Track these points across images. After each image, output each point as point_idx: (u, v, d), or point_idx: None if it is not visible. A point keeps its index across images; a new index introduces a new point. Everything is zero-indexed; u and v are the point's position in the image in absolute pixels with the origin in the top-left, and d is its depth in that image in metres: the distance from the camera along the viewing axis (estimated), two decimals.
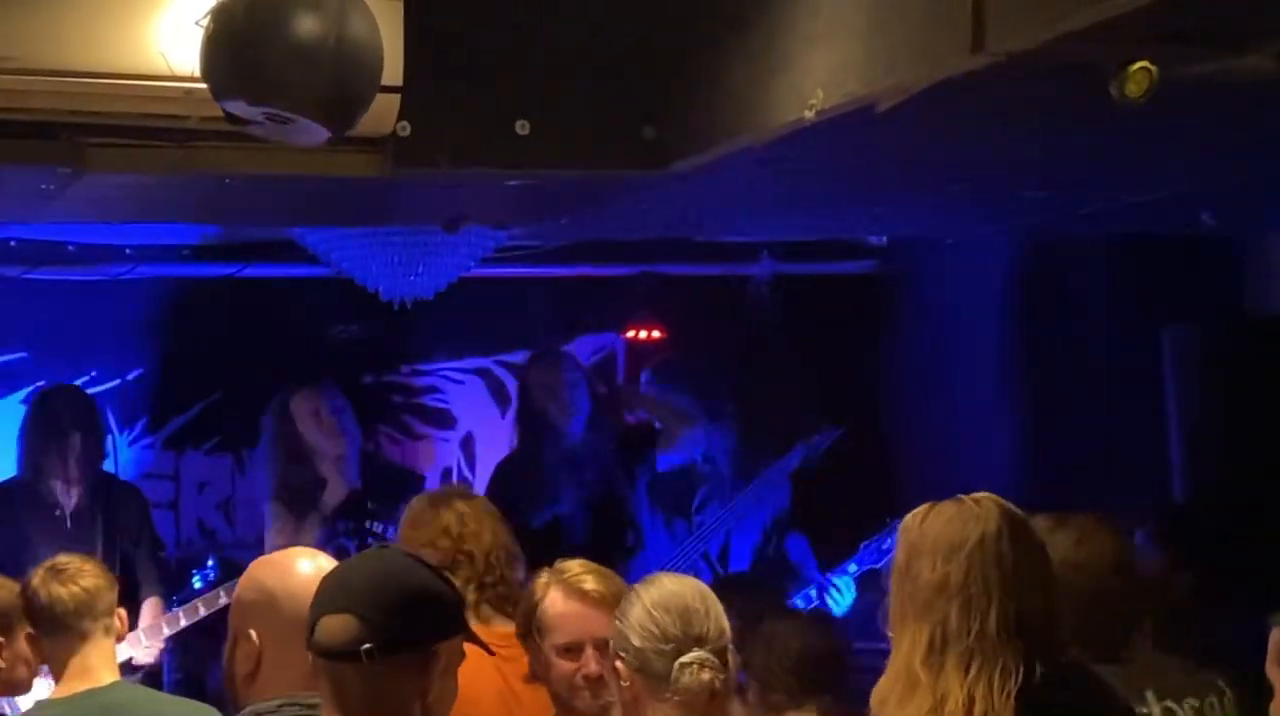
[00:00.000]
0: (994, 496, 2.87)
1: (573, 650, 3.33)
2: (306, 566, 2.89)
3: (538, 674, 3.39)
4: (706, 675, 2.93)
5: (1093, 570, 3.19)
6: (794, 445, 6.30)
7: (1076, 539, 3.22)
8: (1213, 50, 2.94)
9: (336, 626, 2.48)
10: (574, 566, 3.42)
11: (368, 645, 2.45)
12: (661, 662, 2.95)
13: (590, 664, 3.31)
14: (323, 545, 5.96)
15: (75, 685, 3.72)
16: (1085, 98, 3.04)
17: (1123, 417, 6.10)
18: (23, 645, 3.98)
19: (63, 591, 3.76)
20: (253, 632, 2.82)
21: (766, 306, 6.88)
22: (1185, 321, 5.83)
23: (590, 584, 3.38)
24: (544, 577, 3.43)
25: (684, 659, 2.94)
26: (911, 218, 5.86)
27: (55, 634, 3.78)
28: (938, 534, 2.81)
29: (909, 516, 2.87)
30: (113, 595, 3.84)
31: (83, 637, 3.75)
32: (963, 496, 2.86)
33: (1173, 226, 5.65)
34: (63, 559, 3.89)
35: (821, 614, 5.53)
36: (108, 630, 3.77)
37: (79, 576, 3.79)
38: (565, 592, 3.37)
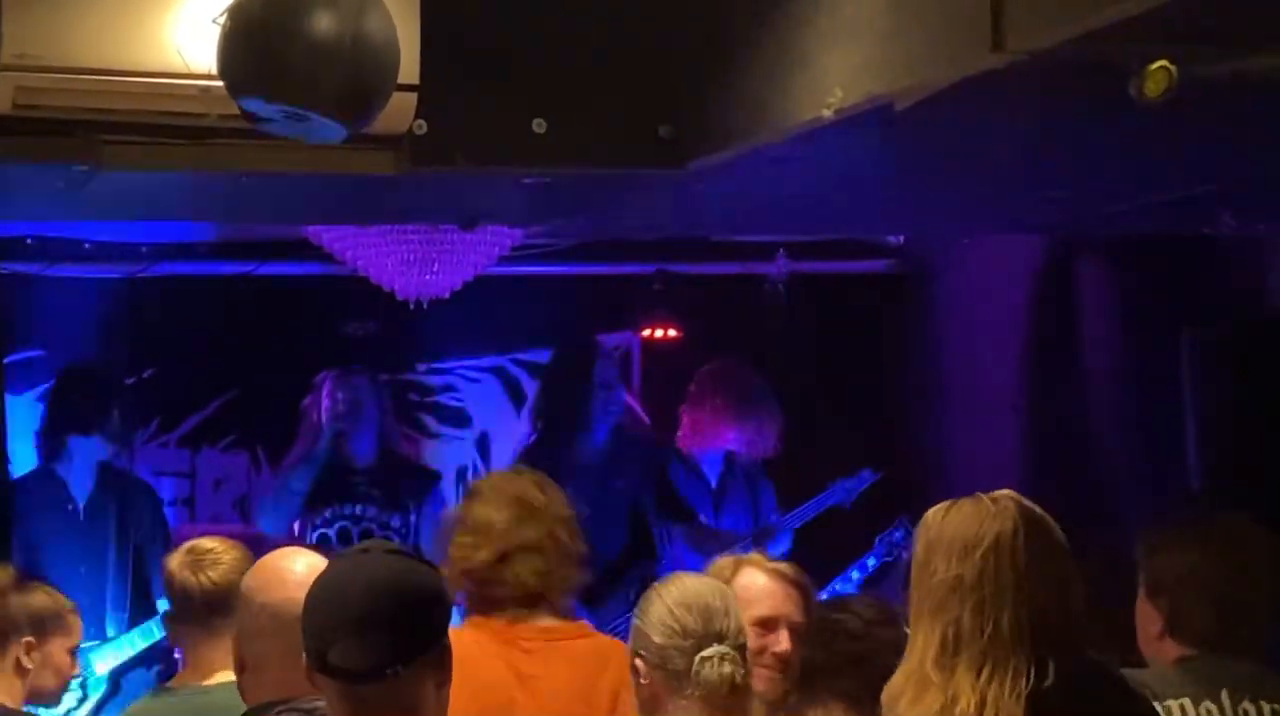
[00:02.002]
0: (1014, 495, 2.85)
1: (768, 624, 3.35)
2: (295, 568, 2.92)
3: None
4: (728, 668, 2.95)
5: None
6: (830, 484, 6.31)
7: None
8: (1233, 49, 2.93)
9: (355, 650, 2.45)
10: (754, 554, 3.52)
11: (396, 666, 2.43)
12: (682, 659, 2.96)
13: (784, 641, 3.34)
14: (301, 501, 5.99)
15: (189, 679, 3.66)
16: (1104, 97, 3.03)
17: (1140, 418, 6.08)
18: (56, 654, 3.95)
19: (194, 581, 3.64)
20: (238, 631, 2.91)
21: (783, 305, 6.87)
22: (1204, 323, 5.80)
23: (785, 567, 3.46)
24: (725, 561, 3.47)
25: (705, 653, 2.95)
26: (929, 217, 5.85)
27: (185, 623, 3.69)
28: (954, 531, 2.80)
29: (929, 512, 2.87)
30: None
31: (210, 632, 3.62)
32: (982, 494, 2.85)
33: (1192, 227, 5.63)
34: (205, 543, 3.74)
35: None
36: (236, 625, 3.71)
37: (215, 566, 3.65)
38: (763, 570, 3.42)
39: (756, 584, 3.40)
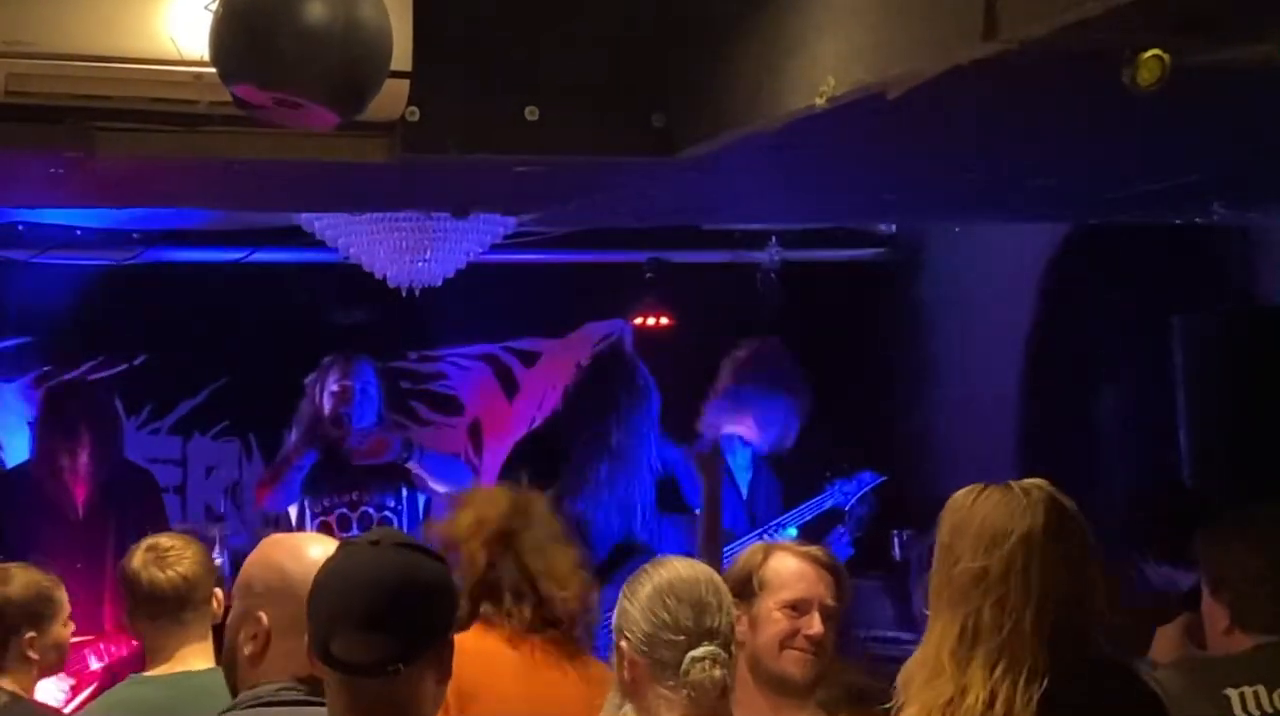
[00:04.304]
0: (1046, 485, 2.80)
1: (799, 607, 3.34)
2: (319, 553, 2.86)
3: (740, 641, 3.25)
4: (718, 672, 2.89)
5: None
6: (830, 483, 6.31)
7: None
8: (1225, 38, 2.93)
9: (358, 644, 2.43)
10: (783, 541, 3.58)
11: (398, 663, 2.41)
12: (670, 652, 2.90)
13: (816, 624, 3.33)
14: (303, 475, 5.99)
15: (170, 667, 3.68)
16: (1097, 85, 3.03)
17: (1132, 405, 6.09)
18: (56, 632, 3.97)
19: (162, 577, 3.69)
20: (262, 615, 2.79)
21: (774, 293, 6.88)
22: (1196, 310, 5.82)
23: (817, 551, 3.45)
24: (756, 547, 3.47)
25: (696, 653, 2.88)
26: (921, 205, 5.85)
27: (153, 618, 3.72)
28: (983, 519, 2.76)
29: (959, 493, 2.83)
30: (212, 579, 3.77)
31: (181, 624, 3.69)
32: (1013, 483, 2.80)
33: (1184, 215, 5.64)
34: (164, 541, 3.80)
35: None
36: (205, 617, 3.72)
37: (179, 562, 3.71)
38: (793, 554, 3.41)
39: (788, 567, 3.38)
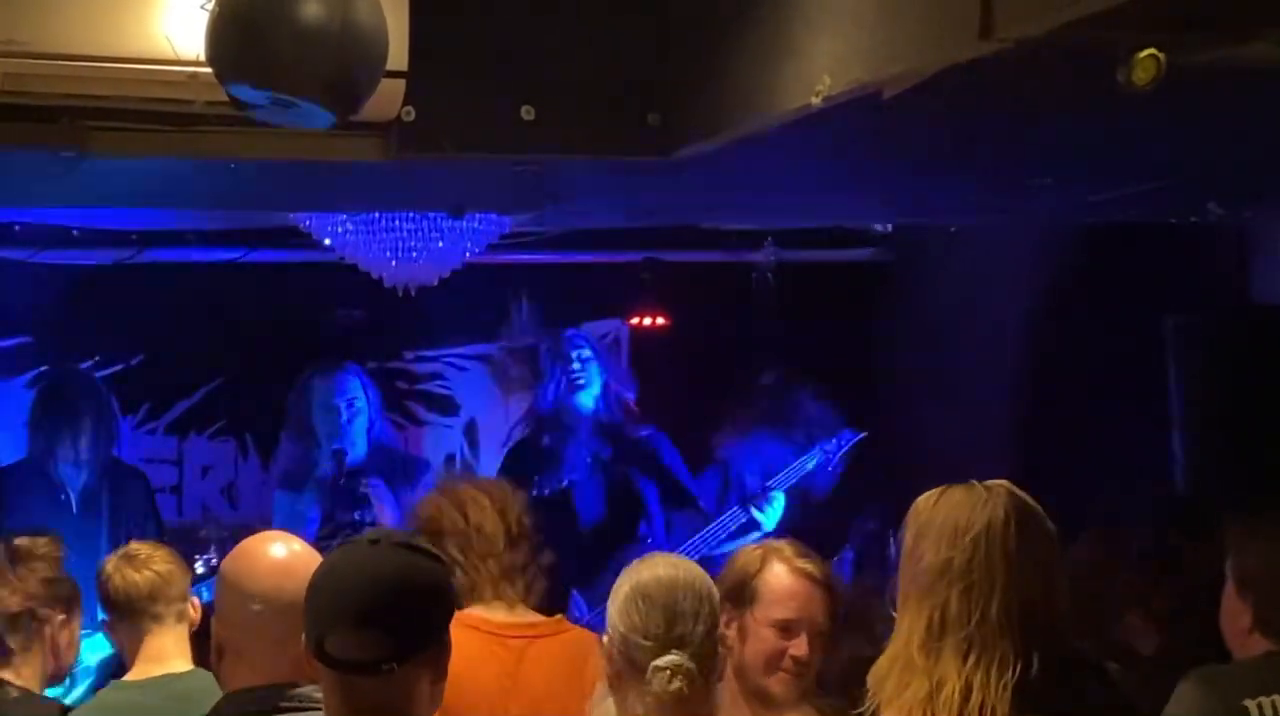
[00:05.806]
0: (1007, 484, 2.83)
1: (789, 628, 3.30)
2: (274, 554, 2.87)
3: (726, 645, 3.20)
4: (676, 684, 2.84)
5: None
6: (811, 445, 6.32)
7: None
8: (1221, 37, 2.94)
9: (352, 642, 2.43)
10: (784, 545, 3.40)
11: (392, 662, 2.42)
12: (641, 655, 2.87)
13: (803, 646, 3.29)
14: (317, 527, 5.98)
15: (150, 669, 3.71)
16: (1092, 85, 3.03)
17: (1125, 406, 6.10)
18: (77, 631, 4.00)
19: (136, 576, 3.74)
20: (220, 624, 2.85)
21: (770, 293, 6.88)
22: (1189, 310, 5.82)
23: (814, 565, 3.37)
24: (755, 549, 3.40)
25: (659, 662, 2.85)
26: (917, 205, 5.85)
27: (129, 619, 3.76)
28: (945, 517, 2.78)
29: (920, 498, 2.85)
30: (185, 581, 3.82)
31: (156, 621, 3.73)
32: (975, 482, 2.83)
33: (1178, 214, 5.65)
34: (135, 545, 3.89)
35: None
36: (180, 616, 3.76)
37: (151, 561, 3.78)
38: (790, 568, 3.34)
39: (782, 584, 3.32)
